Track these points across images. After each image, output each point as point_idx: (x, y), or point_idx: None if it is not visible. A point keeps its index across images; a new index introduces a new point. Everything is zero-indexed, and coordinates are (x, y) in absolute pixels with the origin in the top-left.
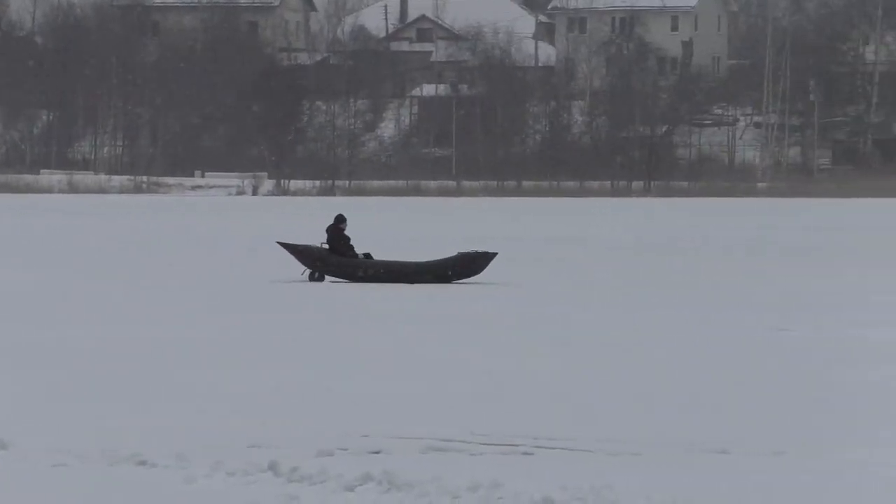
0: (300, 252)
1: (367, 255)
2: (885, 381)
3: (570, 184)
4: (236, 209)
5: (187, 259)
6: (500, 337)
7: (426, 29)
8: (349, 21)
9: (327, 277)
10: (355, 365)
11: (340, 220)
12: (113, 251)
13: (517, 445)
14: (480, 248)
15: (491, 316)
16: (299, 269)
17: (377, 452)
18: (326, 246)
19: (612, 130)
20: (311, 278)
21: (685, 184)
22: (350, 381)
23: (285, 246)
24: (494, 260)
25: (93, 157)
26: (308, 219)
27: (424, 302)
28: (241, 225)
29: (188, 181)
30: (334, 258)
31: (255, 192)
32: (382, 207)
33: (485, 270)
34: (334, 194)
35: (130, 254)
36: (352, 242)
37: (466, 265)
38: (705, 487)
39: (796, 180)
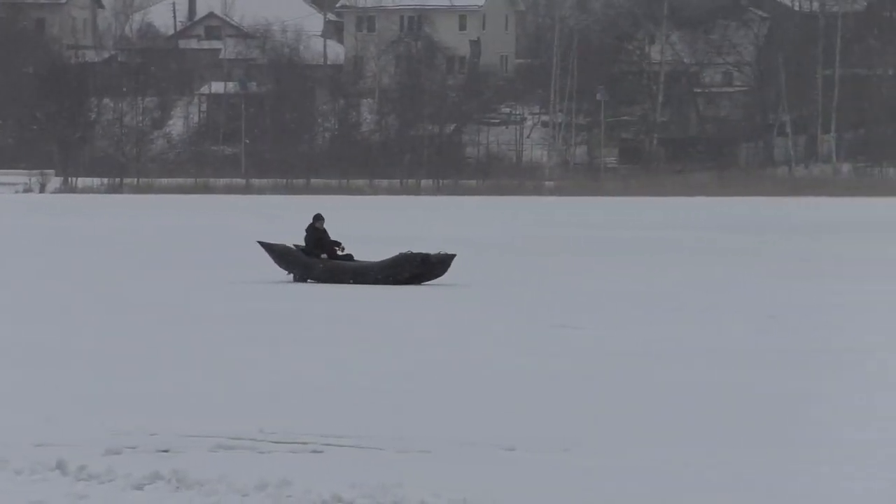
0: (275, 252)
1: (348, 255)
2: (674, 380)
3: (360, 181)
4: (24, 207)
5: None
6: (297, 335)
7: (214, 26)
8: (137, 18)
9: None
10: (146, 363)
11: (316, 218)
12: None
13: (306, 444)
14: (417, 250)
15: (286, 314)
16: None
17: (166, 451)
18: (301, 245)
19: (402, 129)
20: (295, 279)
21: (473, 182)
22: (139, 379)
23: (263, 245)
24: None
25: None
26: (92, 216)
27: (241, 300)
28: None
29: None
30: (302, 258)
31: (42, 190)
32: (170, 205)
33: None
34: (122, 192)
35: None
36: (335, 239)
37: (429, 266)
38: (493, 483)
39: (583, 179)
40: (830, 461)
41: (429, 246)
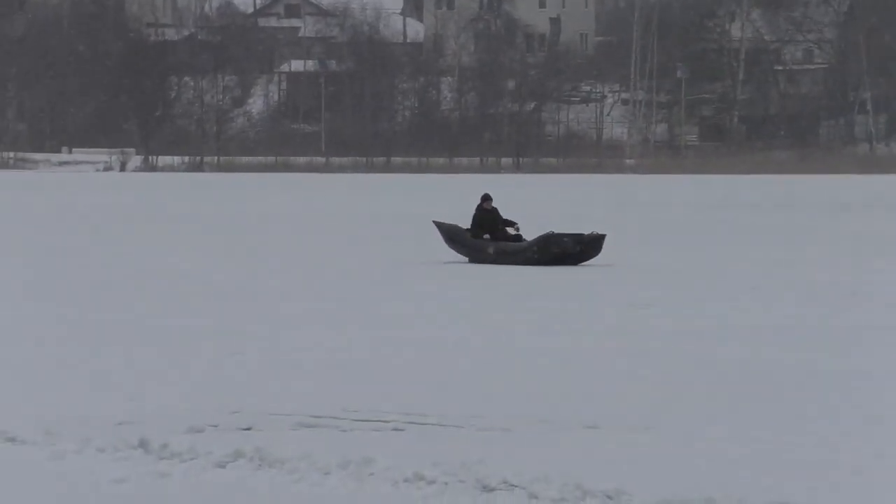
0: (444, 233)
1: (518, 236)
2: (744, 358)
3: (440, 160)
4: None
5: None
6: (371, 314)
7: (294, 5)
8: None
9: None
10: (225, 342)
11: (484, 198)
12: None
13: (388, 422)
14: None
15: (357, 294)
16: None
17: (248, 429)
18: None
19: (481, 107)
20: (470, 260)
21: (554, 160)
22: (219, 358)
23: (437, 225)
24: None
25: None
26: (174, 195)
27: (309, 280)
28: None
29: (55, 157)
30: (468, 240)
31: (122, 168)
32: (252, 183)
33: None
34: (203, 170)
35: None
36: (507, 217)
37: (582, 247)
38: (575, 461)
39: (664, 157)
40: None
41: (576, 226)
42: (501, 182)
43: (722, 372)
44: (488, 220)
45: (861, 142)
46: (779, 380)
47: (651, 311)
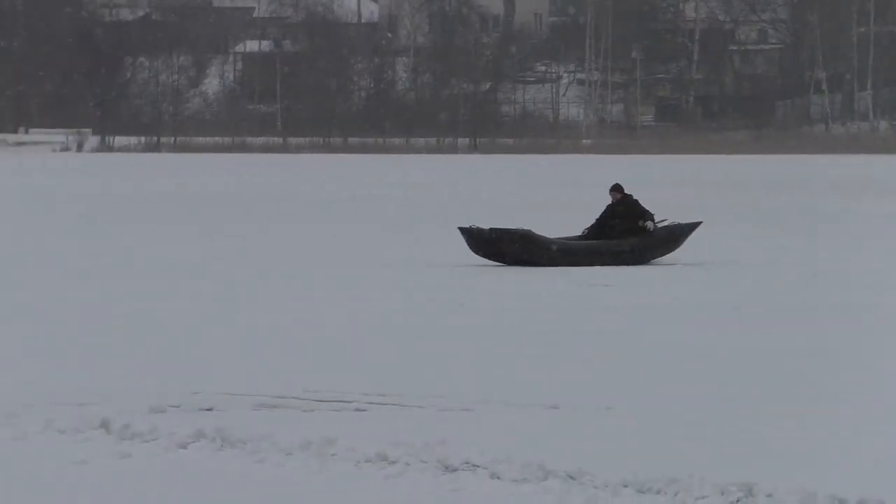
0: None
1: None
2: (699, 339)
3: (397, 140)
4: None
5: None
6: (331, 294)
7: None
8: None
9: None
10: (188, 324)
11: (611, 189)
12: None
13: (349, 402)
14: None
15: (318, 274)
16: None
17: (209, 409)
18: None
19: (437, 87)
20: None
21: (510, 141)
22: (181, 338)
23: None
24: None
25: None
26: (132, 175)
27: (273, 261)
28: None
29: (11, 137)
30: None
31: (80, 149)
32: (210, 164)
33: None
34: (159, 150)
35: None
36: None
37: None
38: (537, 441)
39: (620, 137)
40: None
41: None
42: (458, 162)
43: (678, 352)
44: (618, 213)
45: (817, 122)
46: (734, 360)
47: (608, 290)
